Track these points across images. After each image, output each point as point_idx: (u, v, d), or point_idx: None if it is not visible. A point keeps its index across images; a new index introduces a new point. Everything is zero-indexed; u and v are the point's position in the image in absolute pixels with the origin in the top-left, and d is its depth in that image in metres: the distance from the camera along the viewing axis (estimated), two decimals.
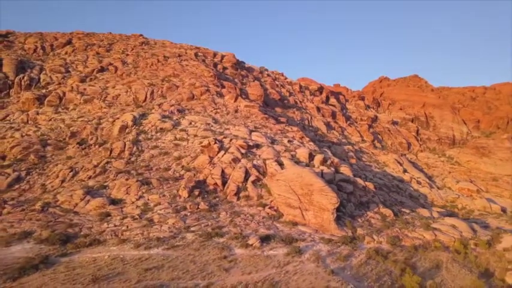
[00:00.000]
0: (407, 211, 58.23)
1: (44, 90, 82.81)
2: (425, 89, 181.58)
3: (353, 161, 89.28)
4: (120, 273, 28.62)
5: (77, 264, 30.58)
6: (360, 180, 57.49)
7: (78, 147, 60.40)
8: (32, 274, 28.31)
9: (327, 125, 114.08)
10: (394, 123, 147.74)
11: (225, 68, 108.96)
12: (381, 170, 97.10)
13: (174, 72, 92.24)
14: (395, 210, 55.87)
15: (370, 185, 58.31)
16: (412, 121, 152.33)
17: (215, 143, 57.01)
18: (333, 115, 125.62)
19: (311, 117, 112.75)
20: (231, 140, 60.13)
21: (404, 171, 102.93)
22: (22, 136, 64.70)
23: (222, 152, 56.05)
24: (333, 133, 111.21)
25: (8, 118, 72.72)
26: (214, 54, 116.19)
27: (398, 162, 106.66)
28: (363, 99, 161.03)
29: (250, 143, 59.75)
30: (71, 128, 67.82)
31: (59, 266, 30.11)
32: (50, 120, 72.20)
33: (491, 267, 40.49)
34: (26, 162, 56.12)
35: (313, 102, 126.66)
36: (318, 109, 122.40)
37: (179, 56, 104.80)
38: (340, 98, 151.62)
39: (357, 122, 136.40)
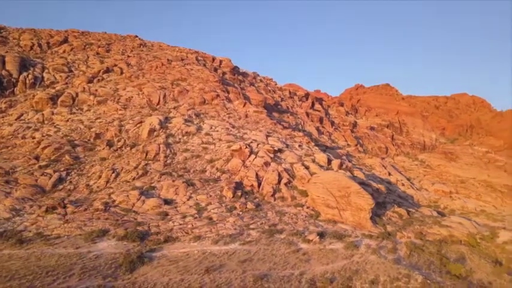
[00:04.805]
0: (413, 210, 65.73)
1: (53, 90, 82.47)
2: (397, 97, 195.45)
3: (349, 164, 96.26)
4: (221, 265, 32.41)
5: (174, 258, 33.92)
6: (373, 183, 64.19)
7: (109, 149, 62.25)
8: (141, 267, 31.44)
9: (317, 129, 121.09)
10: (372, 128, 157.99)
11: (224, 73, 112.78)
12: (370, 172, 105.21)
13: (181, 76, 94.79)
14: (404, 209, 63.00)
15: (382, 188, 65.19)
16: (387, 127, 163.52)
17: (246, 147, 61.28)
18: (321, 120, 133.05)
19: (303, 122, 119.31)
20: (258, 144, 64.65)
21: (389, 174, 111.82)
22: (43, 136, 65.23)
23: (253, 156, 60.46)
24: (323, 137, 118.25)
25: (22, 117, 72.45)
26: (213, 59, 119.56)
27: (383, 166, 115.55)
28: (342, 105, 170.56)
29: (275, 148, 64.61)
30: (92, 129, 69.04)
31: (160, 260, 33.36)
32: (68, 120, 72.77)
33: (498, 258, 48.22)
34: (62, 162, 57.34)
35: (302, 108, 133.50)
36: (307, 114, 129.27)
37: (182, 59, 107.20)
38: (323, 104, 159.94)
39: (340, 127, 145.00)
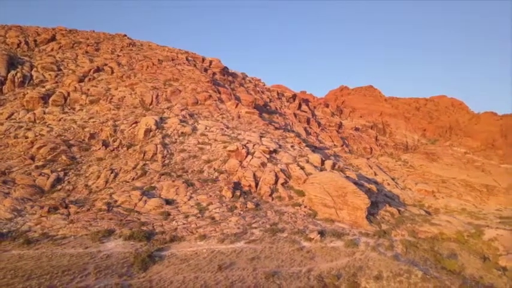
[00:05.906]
0: (403, 209, 68.27)
1: (43, 89, 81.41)
2: (380, 99, 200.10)
3: (340, 165, 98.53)
4: (231, 263, 33.39)
5: (184, 256, 34.68)
6: (365, 183, 66.32)
7: (105, 149, 62.19)
8: (153, 266, 32.17)
9: (305, 130, 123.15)
10: (357, 129, 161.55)
11: (214, 74, 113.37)
12: (358, 172, 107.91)
13: (173, 76, 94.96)
14: (395, 208, 65.41)
15: (373, 187, 67.42)
16: (371, 128, 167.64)
17: (242, 148, 62.36)
18: (308, 121, 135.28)
19: (292, 123, 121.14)
20: (254, 145, 65.80)
21: (375, 174, 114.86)
22: (36, 136, 64.57)
23: (250, 157, 61.62)
24: (311, 138, 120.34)
25: (13, 117, 71.40)
26: (203, 59, 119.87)
27: (369, 166, 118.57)
28: (327, 106, 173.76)
29: (271, 149, 65.93)
30: (85, 129, 68.66)
31: (170, 258, 34.09)
32: (60, 120, 72.10)
33: (485, 254, 50.97)
34: (59, 162, 57.02)
35: (289, 109, 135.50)
36: (295, 115, 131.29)
37: (172, 60, 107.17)
38: (309, 105, 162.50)
39: (326, 128, 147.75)
